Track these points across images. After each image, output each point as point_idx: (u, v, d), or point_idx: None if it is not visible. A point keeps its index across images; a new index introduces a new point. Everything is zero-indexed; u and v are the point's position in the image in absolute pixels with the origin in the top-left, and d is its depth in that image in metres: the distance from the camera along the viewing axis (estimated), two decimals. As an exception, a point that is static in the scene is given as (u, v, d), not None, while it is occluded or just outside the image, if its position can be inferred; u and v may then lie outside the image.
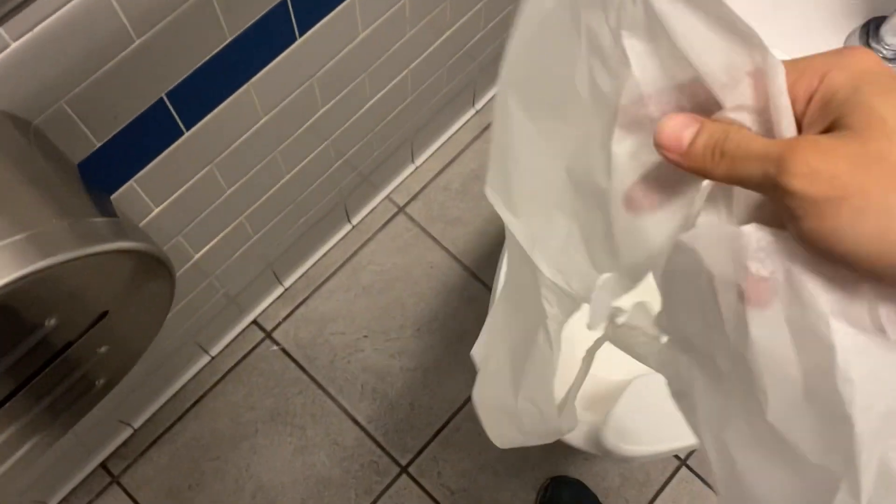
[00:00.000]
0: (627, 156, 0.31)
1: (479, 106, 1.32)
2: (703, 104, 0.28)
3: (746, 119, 0.27)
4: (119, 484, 1.11)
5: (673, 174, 0.30)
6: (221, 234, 0.94)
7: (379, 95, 1.00)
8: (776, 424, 0.29)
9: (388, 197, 1.26)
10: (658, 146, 0.28)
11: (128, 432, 1.13)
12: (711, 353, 0.31)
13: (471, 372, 1.18)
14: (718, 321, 0.29)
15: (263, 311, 1.19)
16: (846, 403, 0.26)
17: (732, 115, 0.27)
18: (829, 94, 0.26)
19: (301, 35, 0.76)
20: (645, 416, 0.71)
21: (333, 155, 1.02)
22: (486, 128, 1.31)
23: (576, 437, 0.73)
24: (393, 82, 1.00)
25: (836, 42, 0.84)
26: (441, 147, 1.29)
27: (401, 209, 1.26)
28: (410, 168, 1.28)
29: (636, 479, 1.12)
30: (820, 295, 0.26)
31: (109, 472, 1.11)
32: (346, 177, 1.11)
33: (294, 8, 0.72)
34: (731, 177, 0.27)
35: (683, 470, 1.13)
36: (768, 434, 0.29)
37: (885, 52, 0.81)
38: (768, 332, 0.28)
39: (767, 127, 0.27)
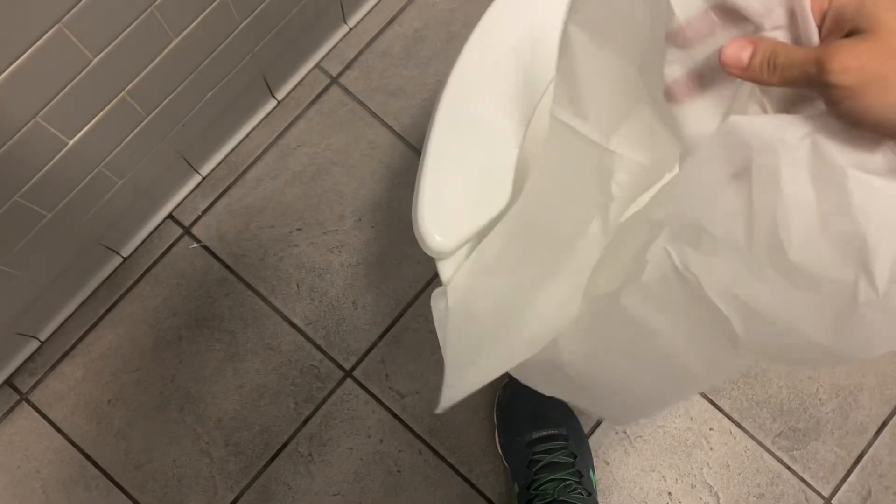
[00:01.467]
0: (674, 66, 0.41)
1: (422, -47, 1.12)
2: (729, 23, 0.39)
3: (782, 36, 0.38)
4: (28, 402, 0.99)
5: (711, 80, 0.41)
6: (99, 115, 0.77)
7: (285, -65, 0.81)
8: (798, 260, 0.38)
9: (317, 65, 1.08)
10: (723, 65, 0.38)
11: (34, 345, 1.00)
12: (733, 228, 0.40)
13: (420, 265, 1.06)
14: (749, 194, 0.39)
15: (179, 203, 1.04)
16: (861, 226, 0.36)
17: (773, 34, 0.37)
18: (839, 11, 0.36)
19: None
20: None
21: (236, 13, 0.84)
22: (432, -20, 1.12)
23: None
24: (302, -82, 0.81)
25: None
26: (378, 4, 1.10)
27: (333, 80, 1.08)
28: (343, 30, 1.09)
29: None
30: (840, 153, 0.36)
31: (17, 390, 0.99)
32: (261, 41, 0.93)
33: None
34: (783, 82, 0.37)
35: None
36: (789, 271, 0.39)
37: None
38: (796, 188, 0.37)
39: (797, 40, 0.37)
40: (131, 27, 0.71)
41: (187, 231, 1.04)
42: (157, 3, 0.72)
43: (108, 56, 0.71)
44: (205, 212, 1.04)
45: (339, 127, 1.07)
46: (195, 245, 1.03)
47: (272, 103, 1.07)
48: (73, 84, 0.70)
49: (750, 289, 0.41)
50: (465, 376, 0.56)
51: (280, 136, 1.06)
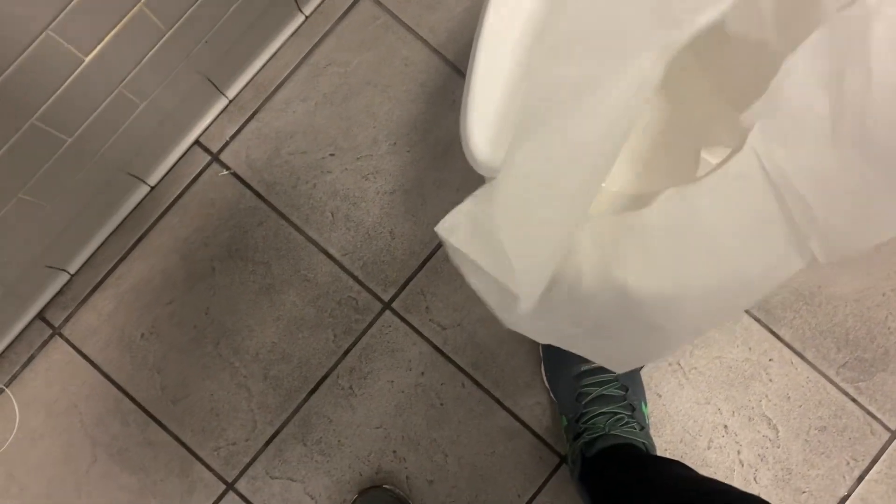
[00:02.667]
0: None
1: None
2: None
3: None
4: (61, 335, 0.97)
5: None
6: (114, 30, 0.71)
7: None
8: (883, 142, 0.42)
9: (348, -23, 1.01)
10: None
11: (64, 278, 0.97)
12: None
13: (460, 192, 1.00)
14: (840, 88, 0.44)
15: (207, 128, 0.99)
16: None
17: None
18: None
19: None
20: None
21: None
22: None
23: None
24: None
25: None
26: None
27: (365, -8, 1.01)
28: (374, -62, 1.01)
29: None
30: None
31: (49, 324, 0.97)
32: (286, -51, 0.85)
33: None
34: None
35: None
36: (875, 154, 0.43)
37: None
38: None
39: None
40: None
41: (216, 158, 0.99)
42: None
43: (120, -39, 0.65)
44: (233, 137, 0.99)
45: (372, 43, 1.00)
46: (224, 172, 0.99)
47: (300, 18, 1.00)
48: (84, -7, 0.65)
49: (835, 174, 0.44)
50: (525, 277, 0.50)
51: (309, 54, 1.00)
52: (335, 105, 0.99)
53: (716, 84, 0.68)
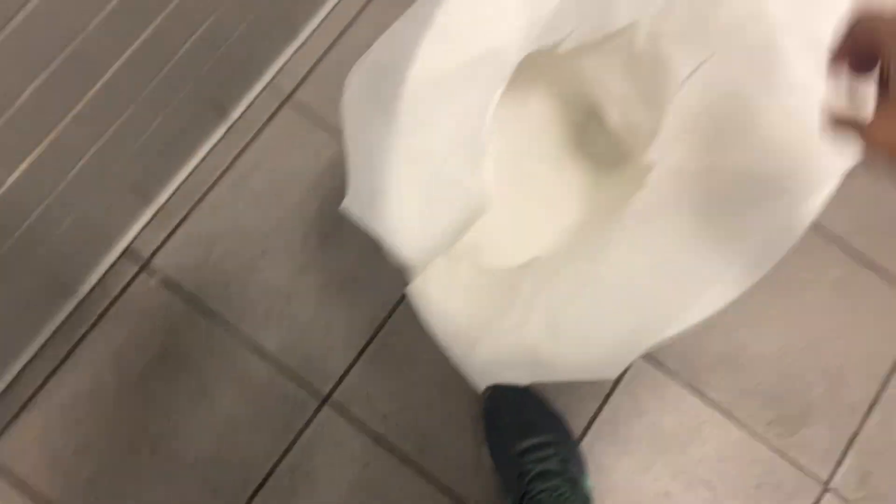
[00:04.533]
0: None
1: (368, -38, 1.09)
2: None
3: None
4: (-11, 459, 0.93)
5: None
6: (35, 153, 0.73)
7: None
8: None
9: (270, 83, 1.05)
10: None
11: (-10, 398, 0.94)
12: None
13: (394, 279, 1.02)
14: None
15: (136, 237, 1.00)
16: None
17: None
18: None
19: None
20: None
21: (184, 30, 0.80)
22: (380, -12, 1.09)
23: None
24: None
25: None
26: (329, 15, 1.07)
27: (288, 96, 1.05)
28: (294, 45, 1.06)
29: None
30: None
31: (-24, 447, 0.94)
32: (208, 62, 0.89)
33: None
34: None
35: (639, 361, 1.00)
36: None
37: None
38: None
39: None
40: (61, 55, 0.67)
41: (146, 265, 0.99)
42: (94, 23, 0.68)
43: (41, 87, 0.67)
44: (163, 243, 1.00)
45: (297, 144, 1.04)
46: (155, 279, 0.99)
47: (225, 126, 1.03)
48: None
49: None
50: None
51: (236, 158, 1.03)
52: (263, 206, 1.02)
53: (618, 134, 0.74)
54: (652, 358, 1.01)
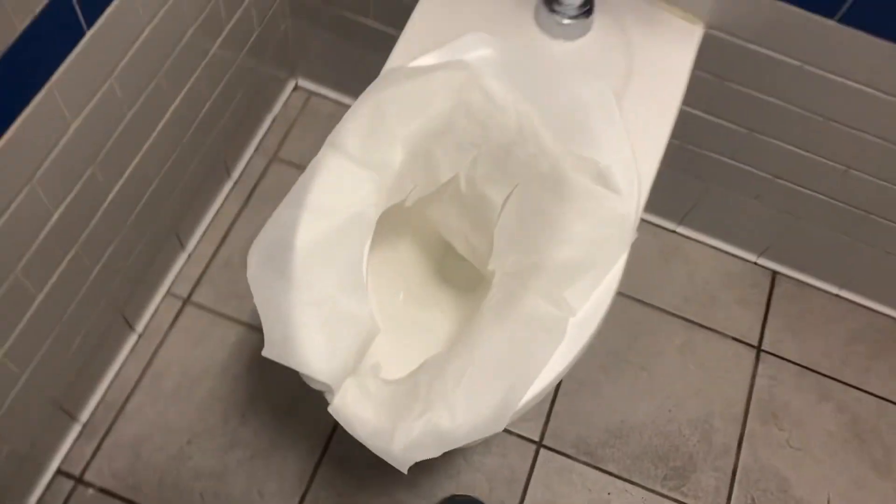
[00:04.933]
0: None
1: (235, 175, 1.28)
2: None
3: None
4: None
5: None
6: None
7: (119, 185, 0.93)
8: None
9: (168, 292, 1.18)
10: None
11: None
12: None
13: (314, 435, 1.12)
14: None
15: (66, 455, 1.06)
16: None
17: None
18: None
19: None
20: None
21: (88, 262, 0.94)
22: (252, 192, 1.28)
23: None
24: (130, 169, 0.95)
25: (530, 14, 0.91)
26: (210, 225, 1.24)
27: (186, 300, 1.18)
28: (183, 256, 1.21)
29: (502, 476, 1.12)
30: None
31: None
32: (112, 283, 1.02)
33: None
34: None
35: (543, 451, 1.14)
36: None
37: (564, 12, 0.89)
38: None
39: None
40: (-1, 294, 0.79)
41: (79, 480, 1.05)
42: (20, 266, 0.81)
43: (-18, 324, 0.78)
44: (93, 456, 1.07)
45: (202, 339, 1.16)
46: (91, 491, 1.05)
47: (134, 337, 1.14)
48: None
49: None
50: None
51: (149, 363, 1.13)
52: (182, 400, 1.12)
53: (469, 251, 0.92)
54: (553, 448, 1.15)
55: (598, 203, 0.79)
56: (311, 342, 0.69)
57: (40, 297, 0.87)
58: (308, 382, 0.69)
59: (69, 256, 0.89)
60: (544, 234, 0.78)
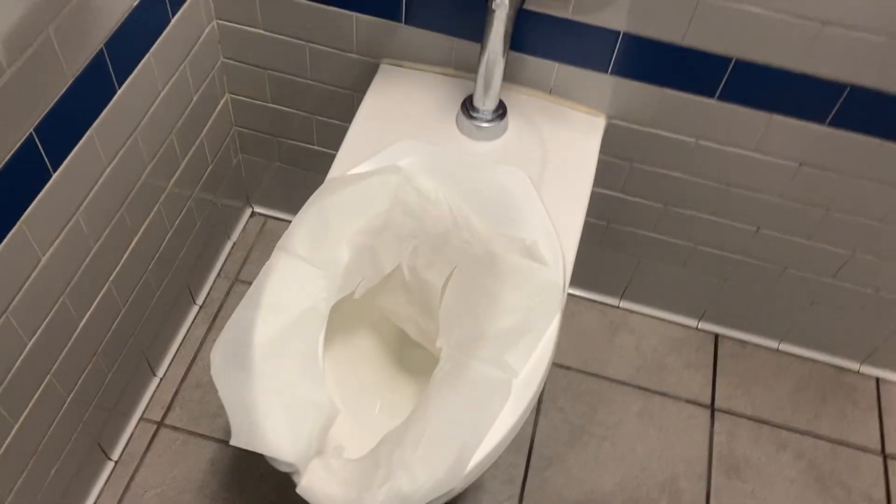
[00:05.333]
0: None
1: (200, 301, 1.35)
2: None
3: None
4: None
5: None
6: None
7: (88, 316, 1.00)
8: None
9: (142, 418, 1.22)
10: None
11: None
12: None
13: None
14: None
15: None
16: None
17: None
18: None
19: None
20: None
21: (62, 391, 0.99)
22: (216, 315, 1.35)
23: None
24: (98, 299, 1.01)
25: (451, 122, 1.03)
26: (178, 350, 1.30)
27: (160, 424, 1.22)
28: (154, 381, 1.26)
29: (484, 562, 1.14)
30: None
31: None
32: (86, 410, 1.06)
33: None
34: None
35: None
36: None
37: (481, 117, 1.01)
38: None
39: None
40: (-22, 423, 0.84)
41: None
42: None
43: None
44: (74, 588, 1.07)
45: (178, 460, 1.19)
46: None
47: (110, 465, 1.17)
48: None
49: None
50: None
51: (126, 489, 1.15)
52: (161, 521, 1.13)
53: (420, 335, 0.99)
54: None
55: (529, 275, 0.88)
56: (274, 427, 0.74)
57: (16, 427, 0.91)
58: (275, 465, 0.74)
59: (43, 384, 0.94)
60: (483, 308, 0.86)
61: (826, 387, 1.37)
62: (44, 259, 0.87)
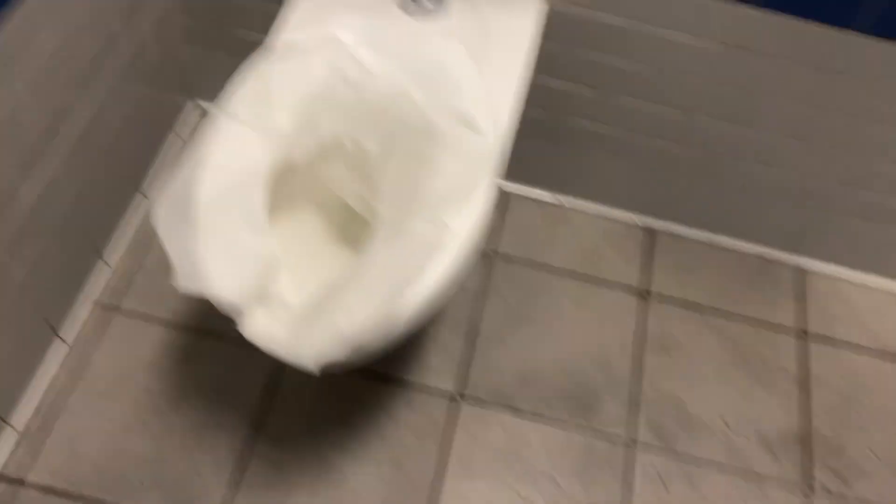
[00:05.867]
0: None
1: (148, 193, 1.37)
2: None
3: None
4: None
5: None
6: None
7: (38, 194, 1.02)
8: None
9: (95, 302, 1.25)
10: None
11: None
12: None
13: (245, 413, 1.18)
14: None
15: (6, 461, 1.10)
16: None
17: None
18: None
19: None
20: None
21: (16, 272, 1.01)
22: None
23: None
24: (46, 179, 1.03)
25: (394, 2, 1.05)
26: (130, 240, 1.32)
27: (114, 308, 1.25)
28: (104, 267, 1.28)
29: (426, 430, 1.20)
30: None
31: None
32: (39, 290, 1.09)
33: None
34: None
35: (463, 404, 1.24)
36: None
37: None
38: None
39: None
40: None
41: (22, 483, 1.09)
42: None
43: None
44: (34, 461, 1.11)
45: (131, 340, 1.22)
46: (34, 490, 1.09)
47: (63, 345, 1.20)
48: None
49: None
50: None
51: (81, 370, 1.19)
52: (112, 398, 1.17)
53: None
54: (473, 398, 1.25)
55: (465, 142, 0.92)
56: (217, 270, 0.78)
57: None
58: (218, 306, 0.78)
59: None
60: (421, 174, 0.90)
61: (752, 275, 1.45)
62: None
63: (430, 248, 0.83)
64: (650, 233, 1.47)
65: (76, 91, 1.04)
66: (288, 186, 0.96)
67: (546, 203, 1.48)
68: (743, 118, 1.22)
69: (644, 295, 1.40)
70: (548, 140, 1.35)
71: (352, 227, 1.08)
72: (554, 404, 1.26)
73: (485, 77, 0.97)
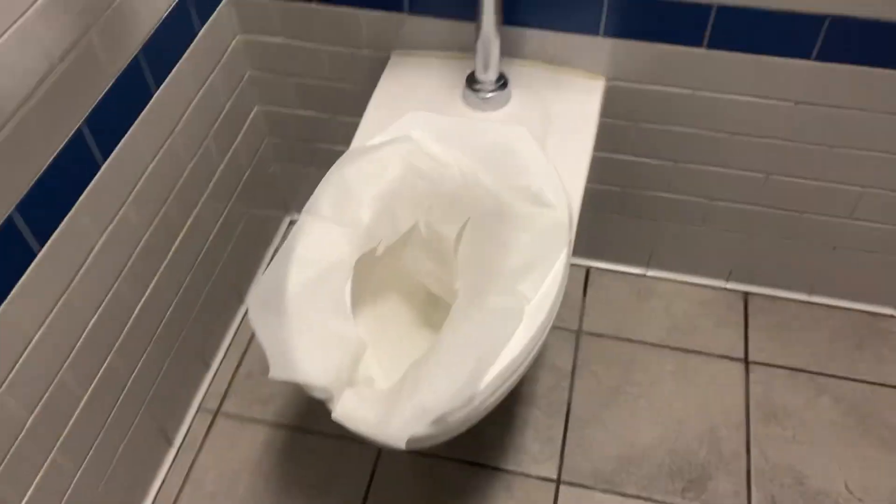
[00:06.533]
0: None
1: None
2: None
3: None
4: None
5: None
6: None
7: (141, 304, 1.09)
8: None
9: (200, 408, 1.31)
10: None
11: None
12: None
13: (350, 486, 1.18)
14: None
15: (121, 568, 1.14)
16: None
17: None
18: None
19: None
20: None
21: (123, 371, 1.08)
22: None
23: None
24: (149, 289, 1.11)
25: (458, 98, 1.11)
26: (230, 345, 1.38)
27: (216, 412, 1.30)
28: (209, 373, 1.34)
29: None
30: None
31: None
32: (146, 397, 1.15)
33: None
34: None
35: (563, 487, 1.20)
36: None
37: (483, 89, 1.09)
38: None
39: None
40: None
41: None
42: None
43: None
44: (146, 563, 1.14)
45: (234, 442, 1.27)
46: None
47: (172, 451, 1.25)
48: None
49: None
50: None
51: (189, 472, 1.23)
52: (222, 497, 1.21)
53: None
54: (571, 482, 1.21)
55: (537, 218, 0.94)
56: (308, 358, 0.81)
57: (83, 400, 1.00)
58: (310, 393, 0.81)
59: (106, 362, 1.03)
60: (496, 252, 0.93)
61: (862, 334, 1.37)
62: (98, 244, 0.97)
63: (508, 319, 0.84)
64: (745, 298, 1.43)
65: (180, 211, 1.14)
66: (372, 275, 1.00)
67: (630, 275, 1.46)
68: (822, 173, 1.20)
69: (745, 362, 1.34)
70: (624, 213, 1.35)
71: (435, 311, 1.11)
72: (661, 484, 1.21)
73: (550, 155, 1.00)
